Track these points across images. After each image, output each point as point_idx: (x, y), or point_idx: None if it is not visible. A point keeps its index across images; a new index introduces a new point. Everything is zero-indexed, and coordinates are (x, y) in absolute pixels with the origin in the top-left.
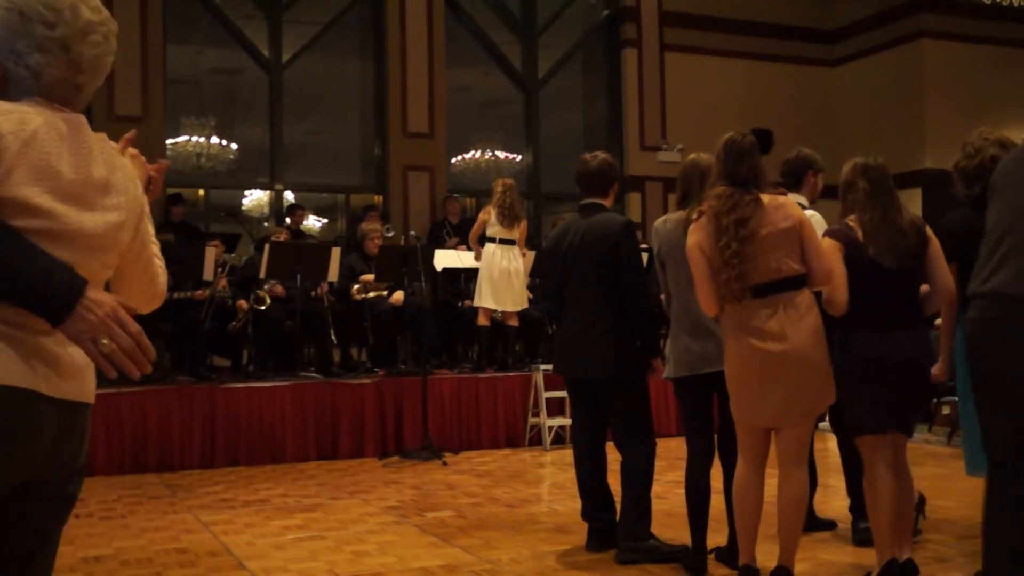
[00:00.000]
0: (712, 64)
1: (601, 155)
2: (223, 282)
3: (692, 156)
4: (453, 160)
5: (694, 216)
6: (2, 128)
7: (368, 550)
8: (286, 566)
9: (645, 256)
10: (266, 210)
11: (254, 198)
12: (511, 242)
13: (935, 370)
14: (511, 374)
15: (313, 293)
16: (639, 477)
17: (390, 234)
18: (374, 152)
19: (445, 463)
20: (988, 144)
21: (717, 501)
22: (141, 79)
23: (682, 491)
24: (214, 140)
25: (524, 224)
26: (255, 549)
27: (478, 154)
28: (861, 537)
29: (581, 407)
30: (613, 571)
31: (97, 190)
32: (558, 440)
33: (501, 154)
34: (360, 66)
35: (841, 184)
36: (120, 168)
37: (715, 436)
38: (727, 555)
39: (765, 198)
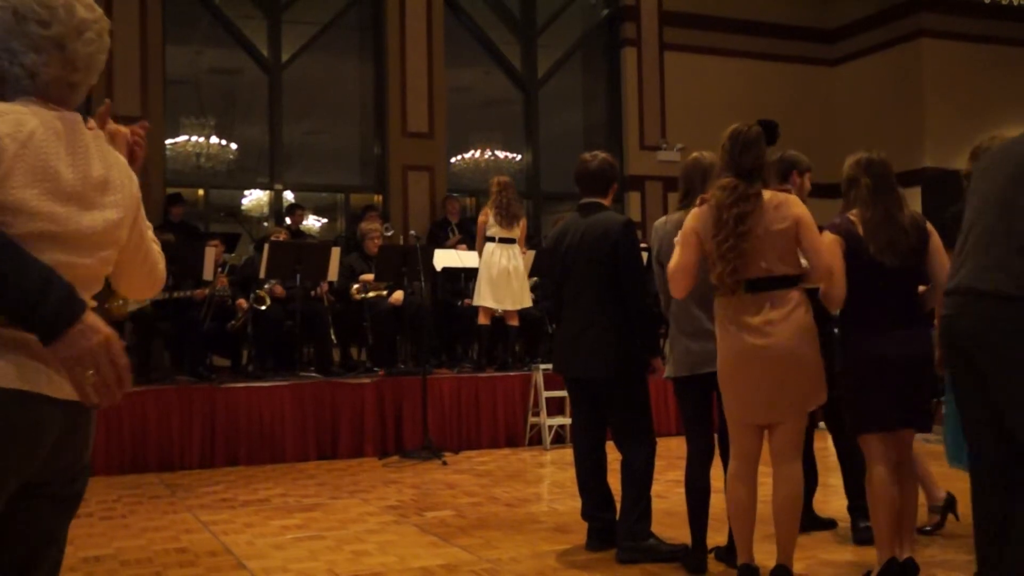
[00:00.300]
0: (712, 63)
1: (601, 155)
2: (223, 281)
3: (694, 155)
4: (453, 160)
5: (697, 203)
6: None
7: (368, 550)
8: (286, 566)
9: (645, 255)
10: (266, 210)
11: (254, 198)
12: (511, 241)
13: (937, 364)
14: (511, 373)
15: (313, 293)
16: (639, 476)
17: (389, 233)
18: (374, 152)
19: (445, 463)
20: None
21: (717, 500)
22: (140, 79)
23: (682, 490)
24: (213, 140)
25: (523, 222)
26: (255, 549)
27: (478, 154)
28: (861, 536)
29: (581, 406)
30: (613, 570)
31: (96, 188)
32: (558, 439)
33: (501, 154)
34: (359, 66)
35: (843, 179)
36: (116, 164)
37: (715, 436)
38: (727, 554)
39: (767, 195)
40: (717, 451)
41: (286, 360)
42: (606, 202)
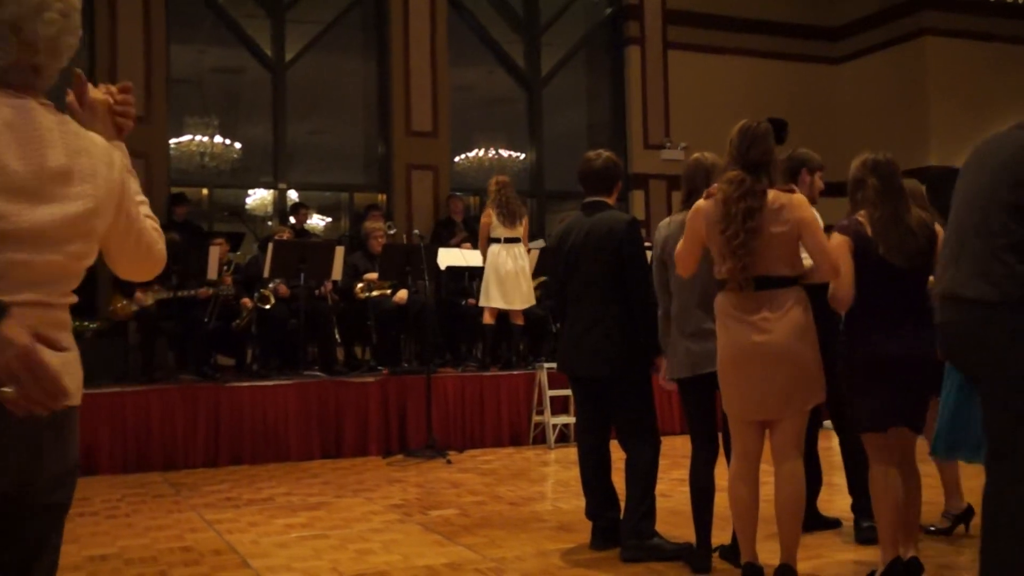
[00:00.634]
0: (715, 62)
1: (605, 153)
2: (228, 280)
3: (696, 155)
4: (456, 159)
5: (703, 196)
6: None
7: (372, 548)
8: (290, 564)
9: (649, 254)
10: (270, 209)
11: (258, 197)
12: (515, 240)
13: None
14: (515, 372)
15: (317, 292)
16: (643, 475)
17: (392, 231)
18: (377, 151)
19: (449, 461)
20: None
21: (722, 499)
22: (144, 79)
23: (686, 489)
24: (217, 139)
25: (525, 220)
26: (259, 547)
27: (481, 152)
28: (864, 536)
29: (585, 405)
30: (617, 569)
31: (54, 180)
32: (562, 438)
33: (504, 152)
34: (363, 65)
35: (850, 180)
36: (86, 151)
37: (719, 435)
38: (731, 553)
39: (770, 194)
40: (722, 451)
41: (290, 359)
42: (610, 201)
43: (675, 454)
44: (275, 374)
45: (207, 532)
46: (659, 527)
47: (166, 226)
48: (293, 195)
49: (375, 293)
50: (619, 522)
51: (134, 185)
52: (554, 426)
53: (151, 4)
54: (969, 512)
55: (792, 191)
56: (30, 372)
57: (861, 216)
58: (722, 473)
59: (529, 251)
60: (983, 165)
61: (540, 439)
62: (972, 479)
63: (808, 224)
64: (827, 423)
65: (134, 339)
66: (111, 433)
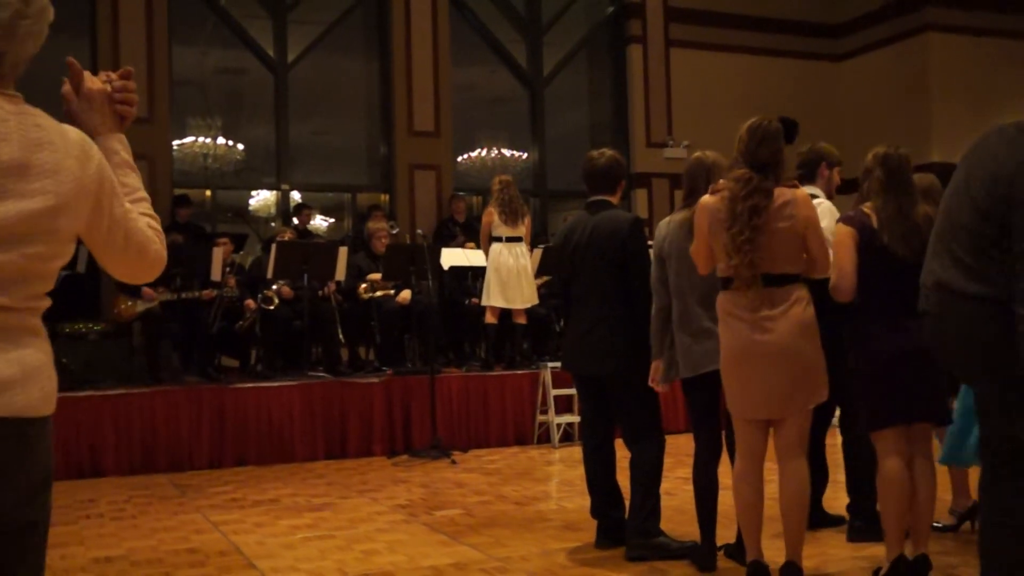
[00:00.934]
0: (717, 60)
1: (608, 152)
2: (232, 281)
3: (697, 154)
4: (459, 158)
5: (709, 192)
6: None
7: (377, 549)
8: (296, 565)
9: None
10: (273, 210)
11: (261, 198)
12: (517, 239)
13: None
14: (519, 372)
15: (320, 293)
16: (648, 474)
17: (395, 232)
18: (380, 151)
19: (454, 461)
20: None
21: (726, 497)
22: (147, 80)
23: (691, 487)
24: (220, 141)
25: (528, 220)
26: (265, 548)
27: (484, 152)
28: (854, 535)
29: (589, 404)
30: (622, 568)
31: (6, 174)
32: (566, 437)
33: (507, 152)
34: (365, 65)
35: (861, 171)
36: (49, 145)
37: (723, 433)
38: (736, 551)
39: (776, 191)
40: (725, 449)
41: (294, 360)
42: (614, 200)
43: (679, 452)
44: (279, 375)
45: (213, 533)
46: (664, 526)
47: (169, 228)
48: (296, 196)
49: (378, 293)
50: (624, 521)
51: (132, 181)
52: (558, 425)
53: (153, 5)
54: (976, 509)
55: (796, 187)
56: None
57: (867, 208)
58: (725, 471)
59: (532, 250)
60: (968, 158)
61: (544, 438)
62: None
63: (812, 222)
64: (835, 421)
65: (138, 341)
66: (116, 435)
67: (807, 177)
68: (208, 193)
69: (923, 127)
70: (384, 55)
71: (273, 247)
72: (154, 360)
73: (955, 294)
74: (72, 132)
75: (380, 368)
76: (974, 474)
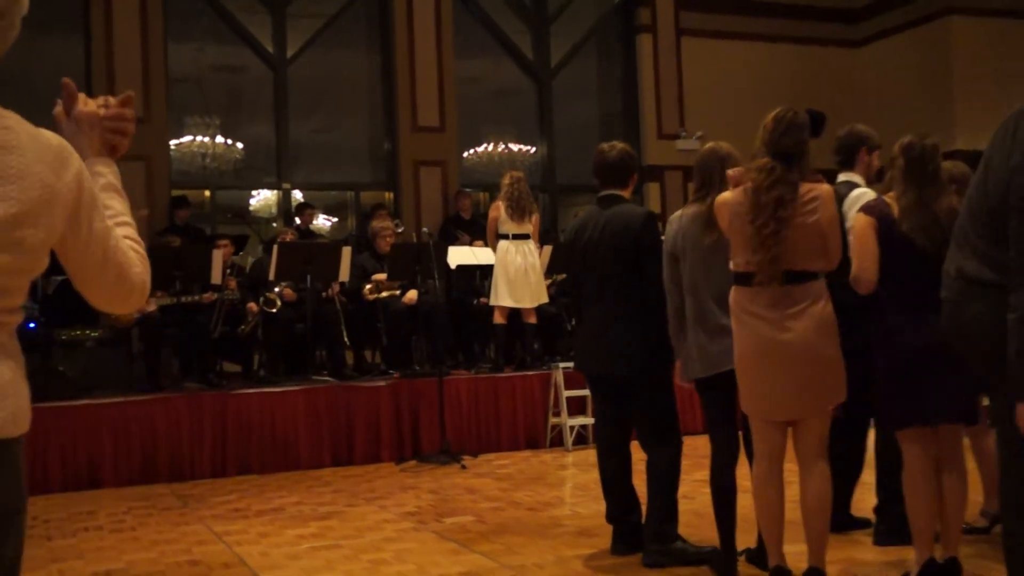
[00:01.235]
0: (730, 48)
1: (619, 145)
2: (232, 284)
3: (710, 144)
4: (465, 154)
5: (731, 184)
6: None
7: (386, 558)
8: None
9: None
10: (274, 210)
11: (262, 198)
12: (524, 236)
13: None
14: (530, 373)
15: (324, 294)
16: (665, 477)
17: (400, 230)
18: (383, 148)
19: (464, 466)
20: None
21: (746, 501)
22: (142, 79)
23: (709, 491)
24: (219, 140)
25: (536, 217)
26: (270, 559)
27: (490, 147)
28: (882, 539)
29: (603, 405)
30: (640, 575)
31: None
32: (580, 440)
33: (514, 146)
34: (367, 59)
35: (888, 160)
36: (16, 150)
37: (740, 434)
38: (758, 556)
39: (803, 185)
40: (743, 451)
41: (298, 364)
42: (626, 194)
43: (697, 455)
44: (283, 380)
45: (216, 545)
46: (682, 530)
47: (167, 230)
48: (298, 195)
49: (384, 294)
50: (641, 526)
51: (117, 204)
52: (572, 428)
53: (148, 2)
54: None
55: (821, 181)
56: None
57: (889, 197)
58: (744, 474)
59: (541, 248)
60: (993, 143)
61: (557, 441)
62: None
63: (833, 221)
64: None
65: (137, 347)
66: (115, 444)
67: (845, 163)
68: (207, 194)
69: (946, 114)
70: (386, 48)
71: (275, 248)
72: (154, 366)
73: (973, 282)
74: (50, 138)
75: (386, 371)
76: None
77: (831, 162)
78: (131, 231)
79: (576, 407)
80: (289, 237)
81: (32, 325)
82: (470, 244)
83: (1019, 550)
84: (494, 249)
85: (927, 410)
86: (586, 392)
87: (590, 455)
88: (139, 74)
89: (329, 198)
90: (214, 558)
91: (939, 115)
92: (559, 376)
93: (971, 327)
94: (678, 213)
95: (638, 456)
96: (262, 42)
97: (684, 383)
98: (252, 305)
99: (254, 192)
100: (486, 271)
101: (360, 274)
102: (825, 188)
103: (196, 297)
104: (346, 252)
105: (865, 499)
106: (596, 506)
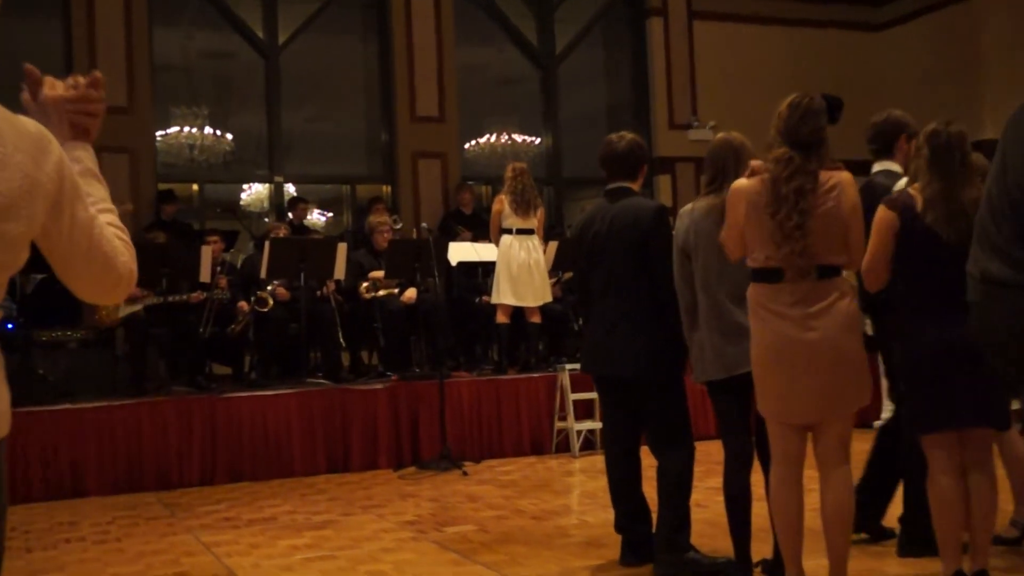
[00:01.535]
0: (745, 32)
1: (628, 135)
2: (222, 282)
3: (722, 135)
4: (466, 145)
5: (746, 174)
6: None
7: (384, 570)
8: None
9: None
10: (266, 204)
11: (253, 192)
12: (529, 231)
13: None
14: (534, 375)
15: (319, 293)
16: (677, 484)
17: (398, 226)
18: (380, 139)
19: (465, 473)
20: None
21: (761, 509)
22: (126, 66)
23: (723, 498)
24: (207, 130)
25: (541, 212)
26: (261, 571)
27: (493, 138)
28: (907, 550)
29: (612, 409)
30: None
31: None
32: (587, 446)
33: (518, 137)
34: (363, 46)
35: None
36: None
37: (753, 439)
38: (774, 567)
39: (822, 174)
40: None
41: (291, 366)
42: (635, 186)
43: (710, 460)
44: (275, 383)
45: (204, 556)
46: (695, 540)
47: (154, 225)
48: (290, 189)
49: (381, 293)
50: (651, 536)
51: (97, 191)
52: (578, 432)
53: None
54: None
55: (840, 168)
56: None
57: (913, 189)
58: (758, 480)
59: (546, 243)
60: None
61: (563, 447)
62: None
63: (857, 211)
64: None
65: (122, 348)
66: (99, 451)
67: (883, 151)
68: (195, 187)
69: (973, 101)
70: (383, 34)
71: (267, 245)
72: (139, 369)
73: (999, 284)
74: (28, 124)
75: (384, 373)
76: None
77: (852, 151)
78: (114, 218)
79: (583, 411)
80: (282, 233)
81: (10, 326)
82: (471, 240)
83: None
84: (497, 244)
85: (953, 413)
86: (593, 395)
87: (598, 461)
88: (122, 61)
89: (324, 192)
90: (203, 570)
91: (966, 102)
92: (565, 378)
93: (997, 330)
94: (689, 207)
95: (648, 462)
96: (252, 27)
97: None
98: (243, 304)
99: (245, 186)
100: (488, 268)
101: (356, 272)
102: (845, 175)
103: (184, 296)
104: (341, 249)
105: (893, 507)
106: (604, 515)
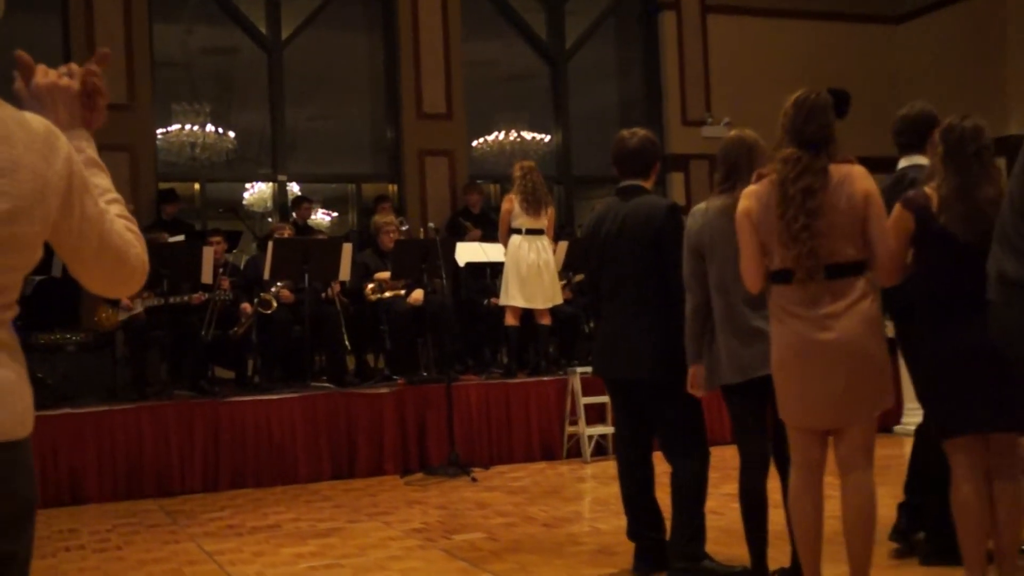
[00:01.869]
0: (760, 26)
1: (641, 132)
2: (225, 283)
3: (734, 132)
4: (474, 143)
5: (753, 179)
6: None
7: None
8: None
9: None
10: (269, 204)
11: (255, 191)
12: (539, 231)
13: None
14: (545, 379)
15: (323, 294)
16: (691, 490)
17: (405, 228)
18: (386, 136)
19: (474, 479)
20: None
21: (778, 516)
22: (125, 62)
23: (739, 505)
24: (209, 128)
25: (551, 211)
26: None
27: (501, 135)
28: (930, 559)
29: (624, 413)
30: None
31: None
32: (599, 451)
33: (527, 135)
34: (368, 41)
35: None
36: (6, 138)
37: (768, 443)
38: None
39: (831, 169)
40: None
41: (296, 370)
42: (648, 185)
43: (725, 466)
44: (279, 387)
45: (207, 564)
46: (710, 548)
47: (154, 226)
48: (294, 188)
49: (388, 294)
50: (665, 543)
51: (102, 181)
52: (590, 437)
53: None
54: None
55: (851, 162)
56: None
57: (929, 188)
58: (774, 486)
59: (556, 244)
60: None
61: (575, 452)
62: None
63: (874, 199)
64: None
65: (122, 352)
66: (99, 457)
67: (911, 146)
68: (197, 187)
69: (997, 95)
70: (389, 29)
71: (270, 245)
72: (140, 373)
73: (1014, 284)
74: (36, 122)
75: (391, 377)
76: None
77: (871, 148)
78: (122, 208)
79: (595, 415)
80: (285, 233)
81: None
82: (480, 238)
83: None
84: (505, 245)
85: (977, 417)
86: (605, 399)
87: (610, 467)
88: (122, 57)
89: (328, 191)
90: None
91: (990, 96)
92: (576, 382)
93: (1011, 331)
94: (702, 205)
95: (662, 468)
96: (255, 22)
97: (700, 393)
98: (246, 306)
99: (247, 185)
100: (497, 269)
101: (362, 273)
102: (857, 168)
103: (186, 298)
104: (346, 249)
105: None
106: (617, 522)
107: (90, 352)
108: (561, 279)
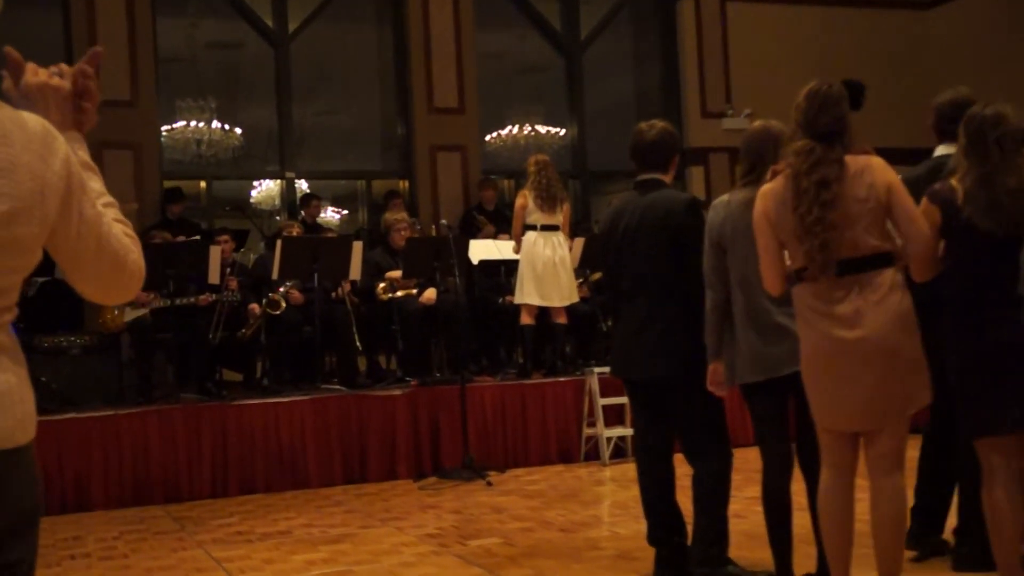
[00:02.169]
0: (782, 13)
1: (659, 124)
2: (232, 283)
3: (759, 122)
4: (487, 137)
5: (768, 176)
6: None
7: None
8: None
9: None
10: (277, 202)
11: (263, 189)
12: (554, 228)
13: None
14: (561, 379)
15: (333, 294)
16: (713, 493)
17: (417, 227)
18: (397, 131)
19: (489, 483)
20: None
21: (802, 519)
22: (128, 58)
23: (762, 509)
24: (215, 125)
25: (567, 207)
26: None
27: (515, 129)
28: (962, 564)
29: (644, 414)
30: None
31: None
32: (618, 453)
33: (541, 128)
34: (378, 34)
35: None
36: (4, 138)
37: (791, 444)
38: None
39: (848, 160)
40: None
41: (306, 372)
42: (667, 178)
43: (749, 468)
44: (289, 389)
45: (216, 572)
46: (733, 552)
47: (159, 225)
48: (303, 185)
49: (399, 294)
50: (686, 548)
51: (95, 184)
52: (608, 439)
53: None
54: None
55: (869, 153)
56: None
57: (954, 180)
58: (799, 488)
59: (572, 240)
60: None
61: (593, 455)
62: None
63: (897, 188)
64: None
65: (127, 354)
66: (105, 462)
67: (949, 133)
68: (203, 185)
69: None
70: (398, 22)
71: (278, 244)
72: (146, 376)
73: None
74: (33, 121)
75: (403, 378)
76: None
77: (900, 139)
78: (117, 212)
79: (613, 416)
80: (294, 232)
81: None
82: (495, 234)
83: None
84: (519, 242)
85: (1009, 416)
86: (624, 399)
87: (629, 469)
88: (125, 52)
89: (338, 188)
90: None
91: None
92: (594, 382)
93: None
94: (724, 198)
95: (683, 470)
96: (261, 15)
97: (720, 392)
98: (254, 307)
99: (255, 182)
100: (511, 267)
101: (373, 271)
102: (875, 159)
103: (192, 299)
104: (357, 247)
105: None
106: (637, 526)
107: (95, 355)
108: (577, 276)
